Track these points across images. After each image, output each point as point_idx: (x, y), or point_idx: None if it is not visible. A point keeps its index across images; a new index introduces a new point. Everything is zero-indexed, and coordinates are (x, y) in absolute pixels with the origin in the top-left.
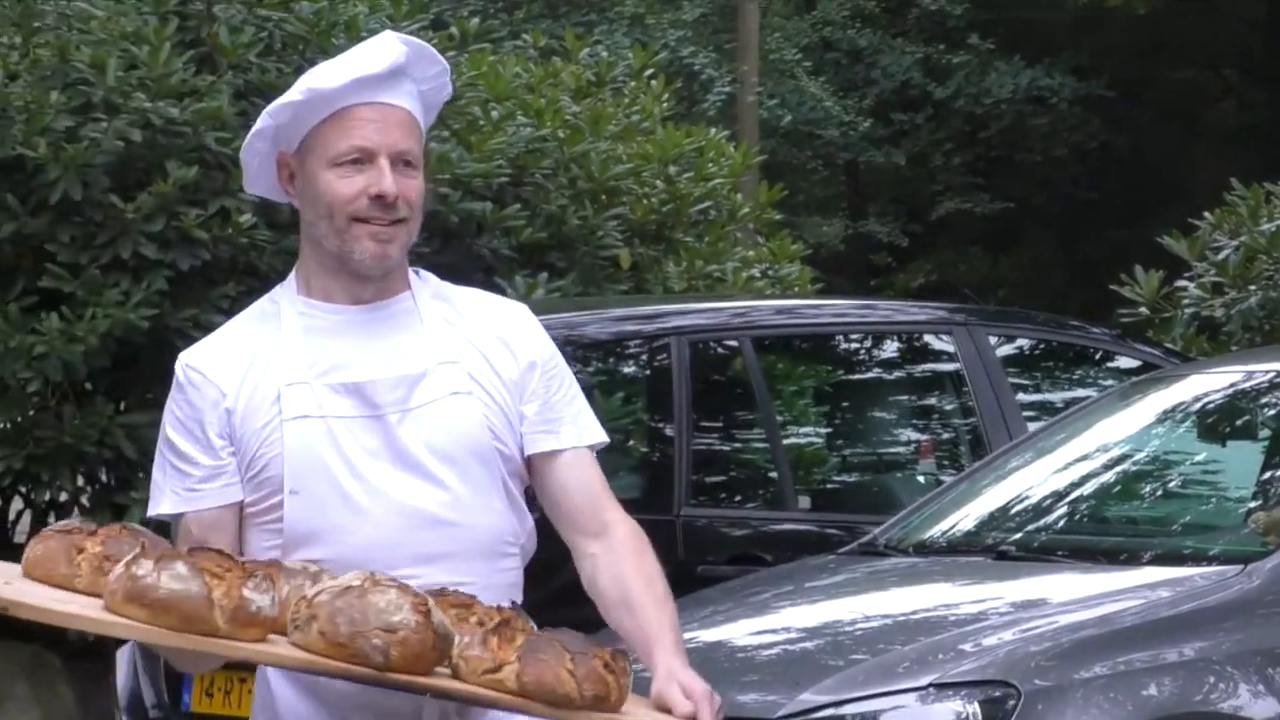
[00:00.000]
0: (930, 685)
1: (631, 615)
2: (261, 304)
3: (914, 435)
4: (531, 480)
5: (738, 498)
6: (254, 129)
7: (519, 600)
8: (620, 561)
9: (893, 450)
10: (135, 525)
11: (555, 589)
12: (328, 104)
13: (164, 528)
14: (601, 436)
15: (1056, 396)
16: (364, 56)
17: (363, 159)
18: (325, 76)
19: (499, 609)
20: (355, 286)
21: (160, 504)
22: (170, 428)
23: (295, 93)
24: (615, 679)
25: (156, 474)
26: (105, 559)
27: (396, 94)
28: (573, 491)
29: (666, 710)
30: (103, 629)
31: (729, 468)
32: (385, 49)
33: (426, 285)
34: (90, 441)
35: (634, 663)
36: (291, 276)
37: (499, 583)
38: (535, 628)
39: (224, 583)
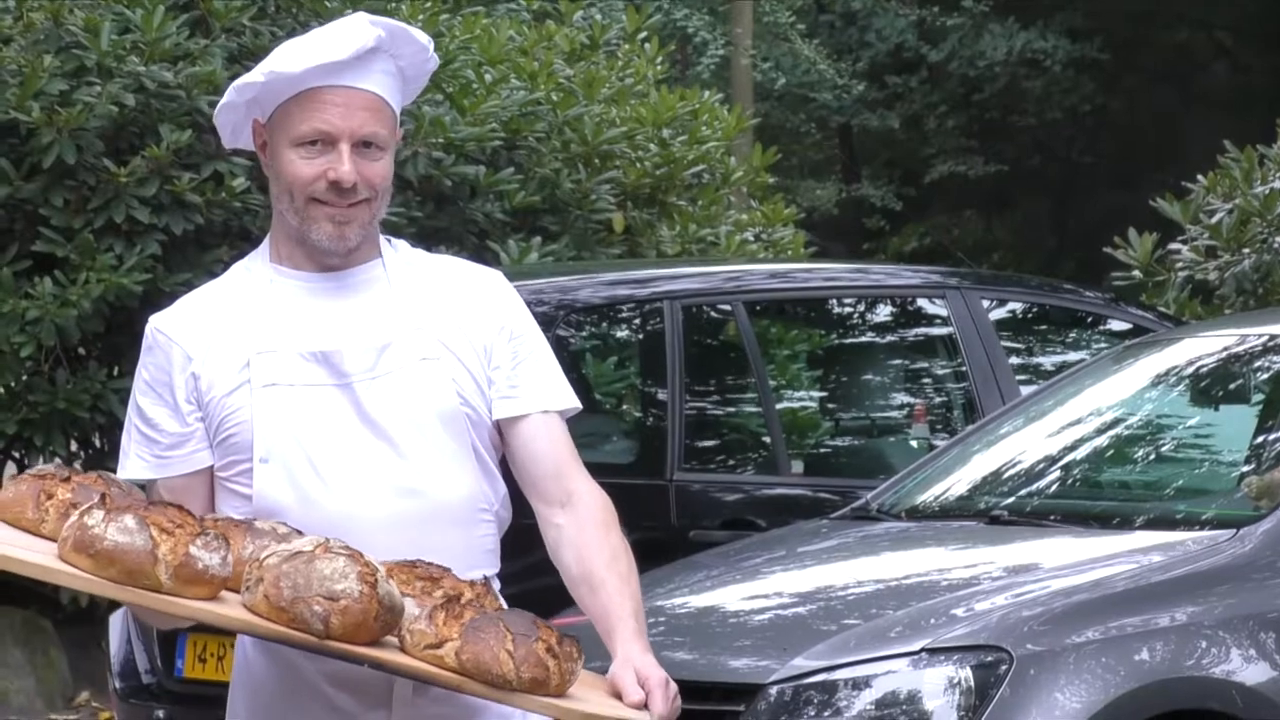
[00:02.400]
0: (923, 650)
1: (593, 593)
2: (237, 268)
3: (907, 399)
4: (503, 447)
5: (730, 462)
6: (221, 102)
7: (496, 567)
8: (584, 535)
9: (886, 414)
10: (111, 475)
11: (537, 557)
12: (291, 86)
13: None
14: (571, 402)
15: (1049, 360)
16: (329, 40)
17: (324, 141)
18: (288, 59)
19: (470, 584)
20: (321, 255)
21: (126, 467)
22: (139, 391)
23: (259, 74)
24: (558, 664)
25: (124, 436)
26: (72, 506)
27: (364, 77)
28: (538, 458)
29: (619, 696)
30: (48, 576)
31: (722, 432)
32: (352, 33)
33: (398, 253)
34: (83, 406)
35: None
36: (265, 242)
37: (473, 549)
38: (503, 605)
39: (172, 538)
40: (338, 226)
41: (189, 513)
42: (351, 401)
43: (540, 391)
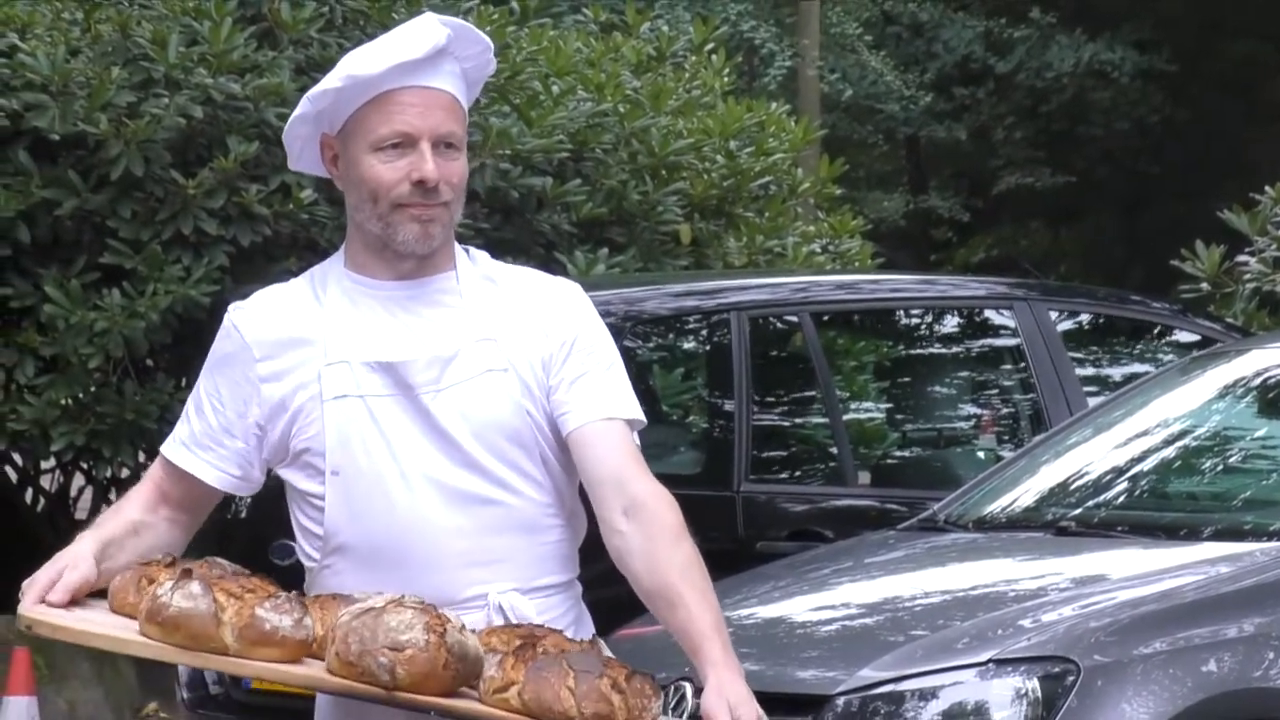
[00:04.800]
0: (990, 661)
1: (671, 609)
2: (314, 272)
3: (974, 410)
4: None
5: (797, 473)
6: (294, 114)
7: (571, 573)
8: (653, 545)
9: (953, 425)
10: (219, 559)
11: (602, 567)
12: (368, 89)
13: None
14: (633, 414)
15: (1117, 371)
16: (404, 40)
17: (404, 143)
18: (365, 62)
19: (580, 642)
20: (397, 262)
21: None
22: (204, 370)
23: (335, 79)
24: (624, 699)
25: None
26: None
27: (437, 76)
28: (596, 463)
29: None
30: (118, 647)
31: (789, 443)
32: (425, 32)
33: (475, 265)
34: (152, 418)
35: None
36: (341, 251)
37: (544, 555)
38: (604, 656)
39: (240, 602)
40: (423, 226)
41: (270, 582)
42: (418, 412)
43: (598, 401)
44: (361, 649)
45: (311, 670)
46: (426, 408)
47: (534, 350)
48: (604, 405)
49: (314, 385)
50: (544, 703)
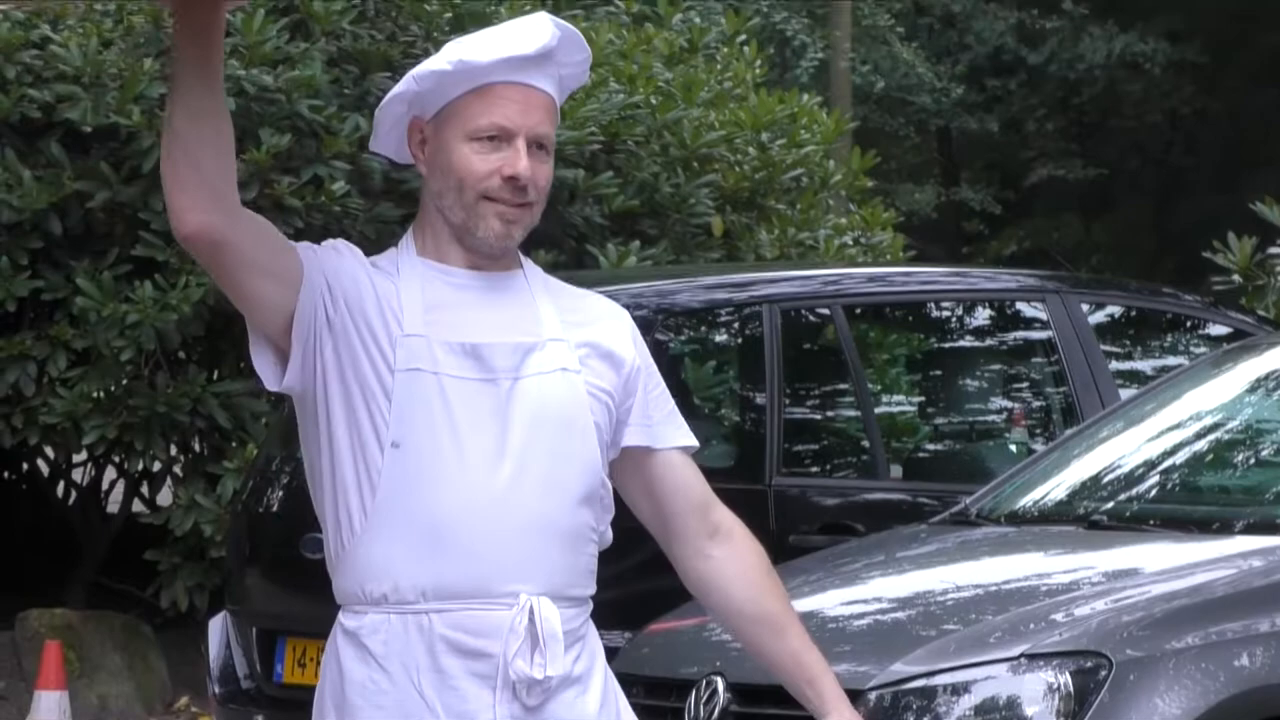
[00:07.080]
0: (1022, 655)
1: (778, 637)
2: (377, 258)
3: (1006, 404)
4: (625, 480)
5: (829, 466)
6: (394, 91)
7: (593, 589)
8: (753, 573)
9: (984, 419)
10: None
11: (633, 563)
12: (474, 77)
13: None
14: (695, 441)
15: (1148, 364)
16: (516, 35)
17: (501, 137)
18: (475, 50)
19: None
20: (472, 254)
21: None
22: None
23: (443, 62)
24: None
25: None
26: None
27: (541, 76)
28: (685, 488)
29: None
30: None
31: (821, 436)
32: (538, 30)
33: (535, 270)
34: (183, 410)
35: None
36: (407, 240)
37: (577, 568)
38: None
39: None
40: (505, 225)
41: None
42: (494, 398)
43: (672, 428)
44: None
45: None
46: (503, 394)
47: (605, 364)
48: (678, 433)
49: (387, 351)
50: None
